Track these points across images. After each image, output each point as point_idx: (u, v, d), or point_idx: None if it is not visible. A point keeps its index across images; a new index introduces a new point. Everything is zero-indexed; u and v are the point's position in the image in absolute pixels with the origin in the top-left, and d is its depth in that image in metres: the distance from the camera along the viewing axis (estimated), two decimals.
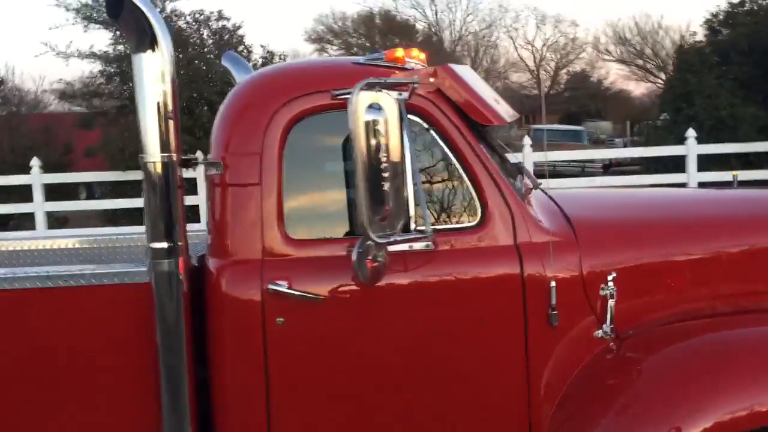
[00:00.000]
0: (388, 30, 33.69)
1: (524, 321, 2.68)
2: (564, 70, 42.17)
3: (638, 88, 42.47)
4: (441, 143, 2.72)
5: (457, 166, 2.72)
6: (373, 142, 2.32)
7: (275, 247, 2.67)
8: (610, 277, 2.71)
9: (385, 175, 2.35)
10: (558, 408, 2.71)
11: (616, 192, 4.39)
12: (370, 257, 2.38)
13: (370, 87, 2.32)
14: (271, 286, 2.60)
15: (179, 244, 2.63)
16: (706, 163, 11.46)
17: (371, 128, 2.31)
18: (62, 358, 2.72)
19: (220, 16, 16.03)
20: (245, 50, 15.67)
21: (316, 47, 35.75)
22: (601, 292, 2.72)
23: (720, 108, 12.98)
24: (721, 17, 14.52)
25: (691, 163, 11.11)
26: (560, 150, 19.23)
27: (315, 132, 2.74)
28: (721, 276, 2.87)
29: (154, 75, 2.58)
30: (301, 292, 2.60)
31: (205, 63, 14.87)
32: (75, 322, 2.74)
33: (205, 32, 16.07)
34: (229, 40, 15.62)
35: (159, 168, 2.60)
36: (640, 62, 37.91)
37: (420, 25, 34.57)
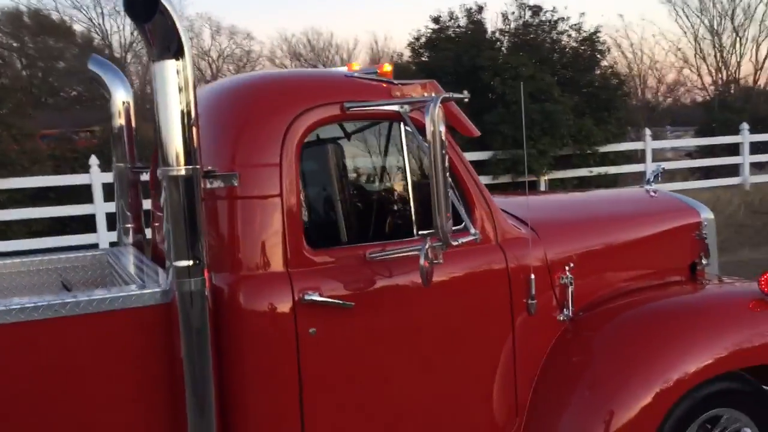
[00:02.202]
0: (40, 29, 30.85)
1: (510, 311, 3.04)
2: None
3: None
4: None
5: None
6: (443, 152, 2.49)
7: (299, 258, 2.68)
8: (567, 268, 3.19)
9: (448, 182, 2.53)
10: (534, 391, 3.11)
11: (544, 197, 4.88)
12: (428, 259, 2.54)
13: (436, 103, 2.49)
14: (306, 297, 2.62)
15: (204, 261, 2.52)
16: None
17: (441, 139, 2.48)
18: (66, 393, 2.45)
19: None
20: None
21: None
22: (561, 281, 3.19)
23: None
24: (423, 41, 16.21)
25: None
26: None
27: (330, 141, 2.80)
28: (641, 259, 3.52)
29: (179, 83, 2.45)
30: (335, 300, 2.65)
31: None
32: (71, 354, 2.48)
33: None
34: None
35: (183, 181, 2.47)
36: None
37: (79, 27, 32.08)
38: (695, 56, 23.16)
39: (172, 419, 2.59)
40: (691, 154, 18.42)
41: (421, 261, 2.53)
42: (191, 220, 2.48)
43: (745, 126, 15.52)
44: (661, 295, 3.41)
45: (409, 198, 2.86)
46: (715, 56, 22.26)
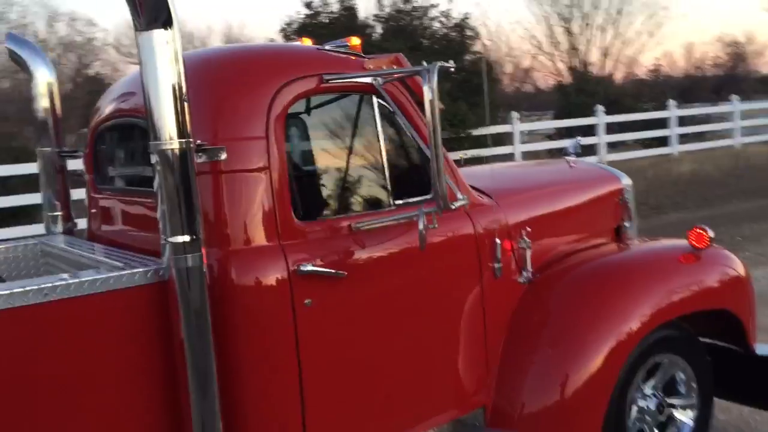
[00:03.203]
0: None
1: (480, 275, 3.18)
2: (91, 71, 40.68)
3: None
4: (403, 123, 3.02)
5: (416, 143, 3.05)
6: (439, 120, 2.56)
7: (289, 230, 2.68)
8: (524, 233, 3.37)
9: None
10: (502, 350, 3.27)
11: (489, 168, 4.95)
12: (424, 224, 2.62)
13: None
14: (301, 268, 2.62)
15: (200, 236, 2.46)
16: None
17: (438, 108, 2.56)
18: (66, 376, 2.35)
19: None
20: None
21: None
22: (520, 245, 3.36)
23: None
24: (295, 26, 16.16)
25: None
26: None
27: (310, 113, 2.81)
28: (580, 223, 3.77)
29: (168, 55, 2.38)
30: (329, 270, 2.68)
31: None
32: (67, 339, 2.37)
33: None
34: None
35: (177, 155, 2.40)
36: None
37: None
38: (549, 43, 24.51)
39: (171, 400, 2.53)
40: (551, 136, 19.53)
41: (420, 226, 2.60)
42: (186, 194, 2.41)
43: (600, 108, 16.64)
44: (604, 255, 3.68)
45: (384, 169, 2.93)
46: (569, 43, 23.66)
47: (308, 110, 2.83)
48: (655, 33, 33.68)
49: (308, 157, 2.85)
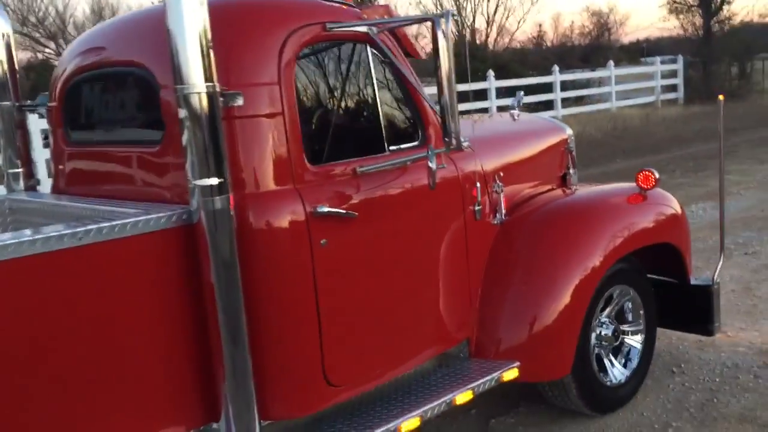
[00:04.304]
0: None
1: (463, 216, 3.38)
2: None
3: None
4: (392, 71, 3.15)
5: (405, 91, 3.19)
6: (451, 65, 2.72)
7: (303, 173, 2.77)
8: (497, 178, 3.60)
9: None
10: (482, 287, 3.50)
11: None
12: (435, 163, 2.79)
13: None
14: (318, 209, 2.73)
15: (228, 179, 2.52)
16: None
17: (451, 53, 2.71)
18: (98, 317, 2.38)
19: None
20: None
21: None
22: (494, 189, 3.59)
23: None
24: None
25: None
26: None
27: (313, 61, 2.89)
28: (536, 170, 4.04)
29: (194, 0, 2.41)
30: (343, 210, 2.80)
31: None
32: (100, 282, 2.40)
33: None
34: None
35: (204, 99, 2.44)
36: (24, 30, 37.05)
37: None
38: (435, 9, 24.90)
39: (199, 339, 2.60)
40: None
41: (433, 166, 2.77)
42: (213, 137, 2.47)
43: (491, 73, 17.21)
44: (565, 197, 3.97)
45: (379, 116, 3.06)
46: (457, 8, 24.18)
47: (311, 57, 2.91)
48: (535, 2, 34.96)
49: (313, 103, 2.92)
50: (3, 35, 3.62)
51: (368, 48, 3.05)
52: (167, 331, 2.56)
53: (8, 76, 3.65)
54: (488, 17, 24.84)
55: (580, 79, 21.91)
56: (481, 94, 17.25)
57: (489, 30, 24.96)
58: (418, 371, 3.33)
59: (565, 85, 20.23)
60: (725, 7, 26.28)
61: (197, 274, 2.56)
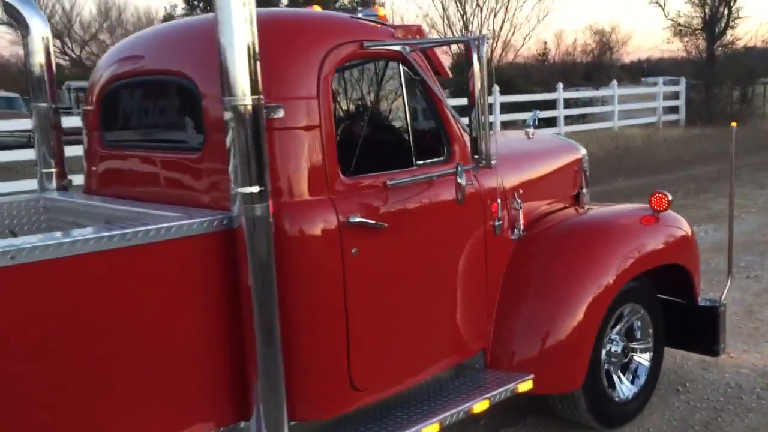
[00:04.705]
0: None
1: (484, 230, 3.49)
2: None
3: None
4: (422, 89, 3.27)
5: (433, 108, 3.31)
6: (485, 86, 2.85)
7: (337, 184, 2.88)
8: (516, 194, 3.71)
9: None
10: (499, 300, 3.61)
11: None
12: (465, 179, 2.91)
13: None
14: (351, 219, 2.84)
15: (268, 188, 2.63)
16: None
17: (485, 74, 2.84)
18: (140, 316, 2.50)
19: None
20: None
21: None
22: (513, 206, 3.70)
23: None
24: None
25: None
26: None
27: (349, 77, 3.01)
28: (552, 188, 4.16)
29: (244, 16, 2.52)
30: (373, 221, 2.91)
31: None
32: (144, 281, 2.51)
33: None
34: None
35: (249, 111, 2.56)
36: None
37: None
38: (443, 23, 25.14)
39: (235, 344, 2.70)
40: None
41: (462, 181, 2.89)
42: (257, 148, 2.58)
43: (496, 88, 17.37)
44: (579, 216, 4.09)
45: (408, 131, 3.18)
46: (464, 24, 24.38)
47: (347, 73, 3.02)
48: (541, 19, 35.34)
49: (348, 117, 3.04)
50: (42, 38, 3.73)
51: (401, 66, 3.17)
52: (204, 331, 2.67)
53: (46, 78, 3.75)
54: (494, 33, 25.04)
55: (584, 97, 22.11)
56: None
57: (494, 45, 25.13)
58: (436, 380, 3.43)
59: (569, 103, 20.42)
60: (729, 32, 26.57)
61: (235, 278, 2.66)
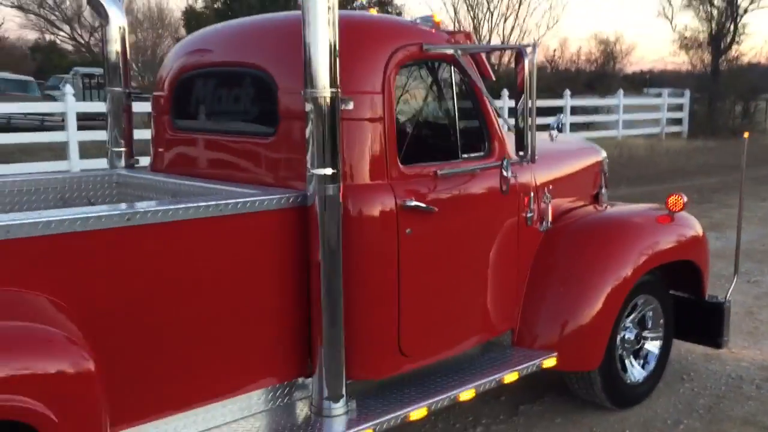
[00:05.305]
0: None
1: (517, 220, 3.85)
2: None
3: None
4: (470, 90, 3.62)
5: (479, 108, 3.66)
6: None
7: (395, 171, 3.24)
8: (547, 190, 4.07)
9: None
10: (527, 287, 3.96)
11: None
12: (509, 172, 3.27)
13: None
14: (406, 202, 3.20)
15: (340, 170, 2.98)
16: None
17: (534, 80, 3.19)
18: (219, 280, 2.86)
19: None
20: None
21: None
22: (543, 200, 4.05)
23: None
24: None
25: None
26: (10, 101, 18.05)
27: (409, 75, 3.37)
28: (577, 186, 4.52)
29: (329, 18, 2.87)
30: (425, 205, 3.26)
31: None
32: (229, 247, 2.86)
33: None
34: None
35: (328, 102, 2.90)
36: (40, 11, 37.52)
37: None
38: (453, 27, 25.47)
39: (303, 309, 3.06)
40: None
41: (508, 174, 3.24)
42: (332, 134, 2.93)
43: (505, 92, 17.73)
44: (600, 213, 4.45)
45: (456, 127, 3.53)
46: (474, 28, 24.78)
47: (407, 72, 3.38)
48: (551, 27, 35.89)
49: (405, 111, 3.40)
50: (119, 28, 4.07)
51: (452, 68, 3.52)
52: (278, 296, 3.02)
53: (121, 65, 4.10)
54: (503, 38, 25.40)
55: (589, 105, 22.46)
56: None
57: (502, 52, 25.48)
58: (468, 355, 3.78)
59: (575, 110, 20.77)
60: (734, 47, 26.99)
61: (306, 250, 3.01)
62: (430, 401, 3.28)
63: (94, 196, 3.90)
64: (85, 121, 15.02)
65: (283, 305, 3.06)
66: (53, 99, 24.70)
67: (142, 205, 2.67)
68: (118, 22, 4.07)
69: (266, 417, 3.09)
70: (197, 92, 3.80)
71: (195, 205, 2.72)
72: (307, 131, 2.92)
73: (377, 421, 3.08)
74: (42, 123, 20.54)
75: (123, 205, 2.69)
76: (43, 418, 2.09)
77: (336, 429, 3.02)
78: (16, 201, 3.71)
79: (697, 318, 4.69)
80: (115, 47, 4.08)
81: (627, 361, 4.32)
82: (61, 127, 17.92)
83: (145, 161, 4.16)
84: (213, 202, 2.77)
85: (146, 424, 2.75)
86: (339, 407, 3.08)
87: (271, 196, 2.95)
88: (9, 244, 2.31)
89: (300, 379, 3.22)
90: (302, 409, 3.17)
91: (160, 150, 3.96)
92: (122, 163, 4.17)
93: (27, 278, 2.38)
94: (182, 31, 28.22)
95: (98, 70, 29.65)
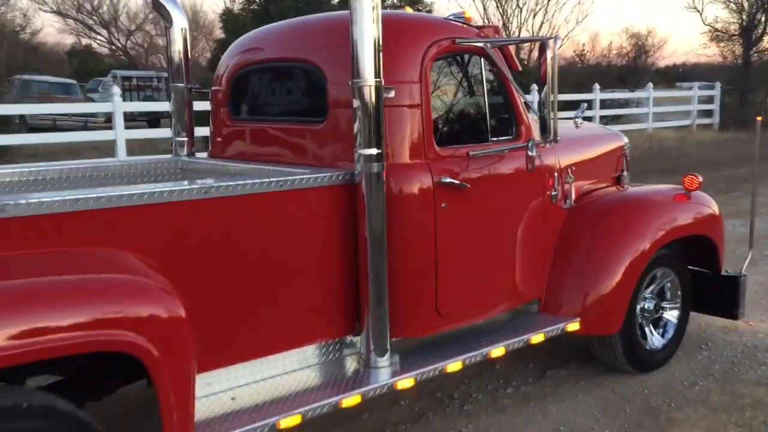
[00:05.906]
0: None
1: (543, 198, 4.23)
2: None
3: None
4: (498, 79, 4.01)
5: (506, 96, 4.05)
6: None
7: (431, 152, 3.64)
8: (570, 170, 4.44)
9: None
10: (552, 259, 4.34)
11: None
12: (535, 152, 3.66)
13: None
14: (442, 179, 3.60)
15: (383, 150, 3.39)
16: None
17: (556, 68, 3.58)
18: (277, 250, 3.28)
19: None
20: None
21: None
22: (567, 180, 4.43)
23: None
24: None
25: None
26: (55, 102, 18.78)
27: (443, 66, 3.78)
28: (599, 168, 4.89)
29: (373, 17, 3.28)
30: (460, 182, 3.66)
31: None
32: (286, 220, 3.29)
33: None
34: None
35: (373, 90, 3.32)
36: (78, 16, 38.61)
37: None
38: (482, 22, 25.74)
39: (352, 274, 3.47)
40: None
41: (533, 153, 3.64)
42: (377, 119, 3.34)
43: (534, 87, 18.01)
44: (621, 191, 4.81)
45: (486, 113, 3.92)
46: (504, 24, 25.04)
47: (442, 63, 3.78)
48: (580, 21, 35.99)
49: (440, 98, 3.80)
50: (181, 29, 4.53)
51: (482, 60, 3.91)
52: (329, 262, 3.43)
53: (183, 63, 4.55)
54: (532, 34, 25.59)
55: (619, 99, 22.62)
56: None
57: (532, 46, 25.71)
58: (497, 320, 4.18)
59: (605, 104, 20.95)
60: (765, 38, 26.86)
61: (354, 222, 3.43)
62: (465, 356, 3.68)
63: (163, 179, 4.35)
64: (128, 121, 15.68)
65: (335, 271, 3.47)
66: (92, 101, 25.65)
67: (215, 182, 3.11)
68: (180, 24, 4.52)
69: (320, 369, 3.52)
70: (252, 86, 4.24)
71: (259, 181, 3.15)
72: (355, 116, 3.34)
73: (418, 371, 3.50)
74: (85, 124, 21.37)
75: (200, 181, 3.14)
76: (146, 352, 2.52)
77: (382, 378, 3.44)
78: (90, 185, 4.18)
79: (715, 292, 5.02)
80: (177, 47, 4.53)
81: (647, 329, 4.68)
82: (103, 127, 18.78)
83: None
84: (275, 179, 3.20)
85: (218, 370, 3.19)
86: (384, 360, 3.50)
87: (324, 174, 3.37)
88: (112, 212, 2.76)
89: (348, 338, 3.64)
90: (351, 363, 3.59)
91: (218, 139, 4.41)
92: (185, 151, 4.62)
93: (126, 241, 2.82)
94: (218, 32, 28.89)
95: (136, 73, 30.58)
